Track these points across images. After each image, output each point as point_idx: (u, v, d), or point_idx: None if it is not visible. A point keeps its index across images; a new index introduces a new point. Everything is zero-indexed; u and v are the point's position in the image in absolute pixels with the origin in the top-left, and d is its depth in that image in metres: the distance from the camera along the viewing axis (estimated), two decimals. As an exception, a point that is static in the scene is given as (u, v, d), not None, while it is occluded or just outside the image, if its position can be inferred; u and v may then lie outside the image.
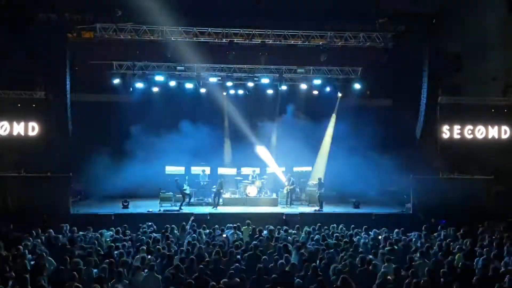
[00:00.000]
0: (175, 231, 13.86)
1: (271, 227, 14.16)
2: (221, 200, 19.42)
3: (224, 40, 18.68)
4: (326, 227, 14.42)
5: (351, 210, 19.13)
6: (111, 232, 13.69)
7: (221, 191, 19.41)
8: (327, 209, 18.78)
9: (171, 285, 8.96)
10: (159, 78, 21.05)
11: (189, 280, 8.90)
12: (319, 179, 19.41)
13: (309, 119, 22.21)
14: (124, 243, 12.13)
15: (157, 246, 11.89)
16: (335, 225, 14.72)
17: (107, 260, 10.20)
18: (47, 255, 10.75)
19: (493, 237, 13.11)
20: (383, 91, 21.79)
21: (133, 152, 20.74)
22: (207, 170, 21.31)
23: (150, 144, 21.59)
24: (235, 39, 18.71)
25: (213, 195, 19.41)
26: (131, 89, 21.20)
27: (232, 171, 21.80)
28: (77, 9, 18.07)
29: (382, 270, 9.61)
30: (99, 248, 11.60)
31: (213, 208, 18.87)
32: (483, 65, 18.91)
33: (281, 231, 14.20)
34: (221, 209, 18.82)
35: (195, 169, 21.33)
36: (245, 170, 21.45)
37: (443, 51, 19.67)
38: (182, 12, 18.03)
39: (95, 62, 19.47)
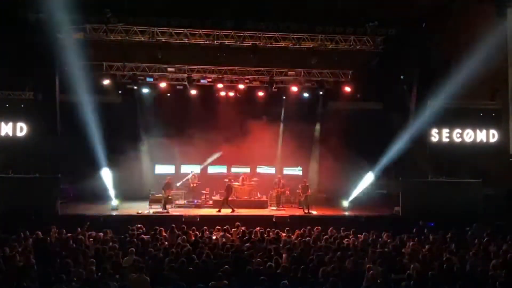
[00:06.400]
0: (165, 233, 13.83)
1: (261, 229, 14.22)
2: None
3: (215, 42, 18.65)
4: (315, 229, 14.47)
5: (340, 212, 19.17)
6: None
7: None
8: (317, 211, 18.80)
9: (160, 287, 8.92)
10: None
11: (178, 282, 8.87)
12: (304, 181, 19.44)
13: (299, 121, 22.27)
14: (113, 245, 12.09)
15: (148, 249, 11.85)
16: (324, 227, 14.76)
17: (96, 262, 10.15)
18: (34, 257, 10.69)
19: (481, 240, 13.21)
20: (373, 94, 21.87)
21: (122, 153, 20.67)
22: (197, 170, 21.34)
23: (140, 145, 21.58)
24: (226, 41, 18.68)
25: None
26: (120, 91, 21.21)
27: (222, 170, 21.85)
28: (67, 10, 17.91)
29: (371, 272, 9.64)
30: (87, 250, 11.52)
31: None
32: (472, 69, 18.99)
33: (270, 233, 14.22)
34: (211, 211, 18.78)
35: (185, 170, 21.35)
36: (236, 171, 21.49)
37: (433, 54, 19.78)
38: (173, 13, 18.03)
39: (84, 63, 19.32)
